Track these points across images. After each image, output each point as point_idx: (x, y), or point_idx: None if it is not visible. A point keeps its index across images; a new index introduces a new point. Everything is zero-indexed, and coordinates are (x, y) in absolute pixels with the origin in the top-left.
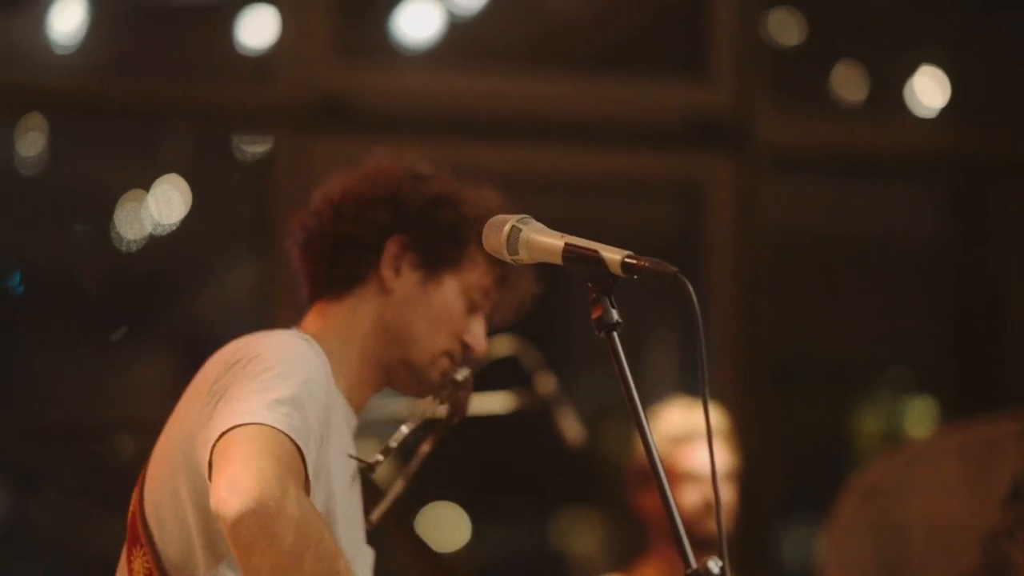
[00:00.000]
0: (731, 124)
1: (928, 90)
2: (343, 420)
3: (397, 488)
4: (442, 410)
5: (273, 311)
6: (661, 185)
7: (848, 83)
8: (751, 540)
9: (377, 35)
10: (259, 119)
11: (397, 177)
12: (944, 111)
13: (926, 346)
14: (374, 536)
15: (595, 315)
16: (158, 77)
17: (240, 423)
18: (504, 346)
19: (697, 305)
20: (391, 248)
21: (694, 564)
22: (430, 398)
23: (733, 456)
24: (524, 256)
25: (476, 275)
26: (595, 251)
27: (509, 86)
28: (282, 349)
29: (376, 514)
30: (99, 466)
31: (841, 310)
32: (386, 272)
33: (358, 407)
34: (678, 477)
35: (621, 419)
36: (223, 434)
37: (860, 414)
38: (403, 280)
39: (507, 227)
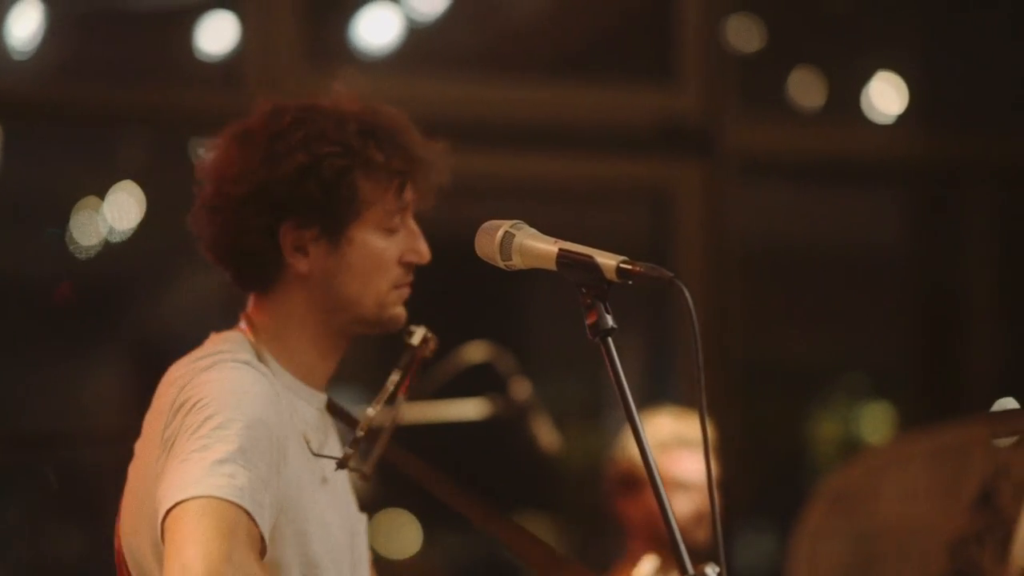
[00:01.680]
0: (699, 130)
1: (887, 95)
2: (304, 420)
3: (385, 437)
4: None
5: (231, 319)
6: (629, 190)
7: (809, 89)
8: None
9: (338, 41)
10: (219, 125)
11: (251, 167)
12: (905, 117)
13: (886, 351)
14: None
15: (589, 321)
16: (115, 83)
17: (184, 498)
18: (479, 352)
19: (694, 309)
20: (285, 240)
21: (691, 570)
22: (393, 375)
23: (717, 465)
24: (517, 262)
25: (379, 209)
26: (589, 256)
27: (473, 92)
28: (223, 388)
29: (368, 467)
30: (55, 475)
31: (804, 315)
32: (292, 261)
33: (324, 381)
34: (665, 486)
35: (578, 424)
36: (170, 510)
37: (817, 419)
38: (314, 257)
39: (500, 233)
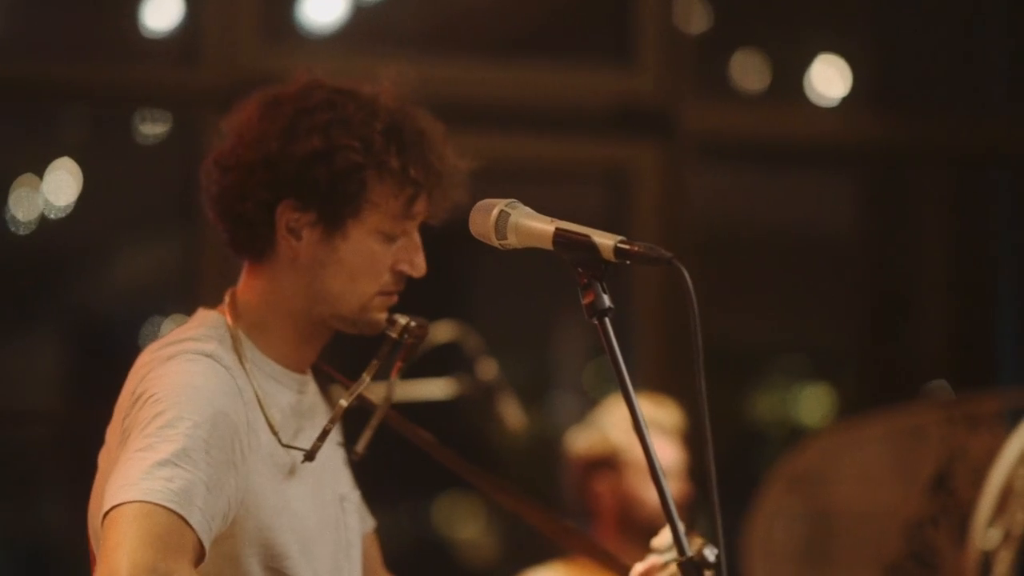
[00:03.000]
0: (656, 111)
1: (834, 78)
2: (279, 407)
3: (378, 417)
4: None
5: (169, 297)
6: (585, 171)
7: (756, 71)
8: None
9: (286, 18)
10: (161, 101)
11: (267, 136)
12: (853, 100)
13: (831, 334)
14: None
15: (586, 301)
16: (55, 59)
17: (119, 502)
18: (445, 332)
19: (692, 290)
20: (282, 217)
21: (689, 552)
22: (372, 363)
23: (686, 451)
24: (513, 241)
25: (382, 213)
26: (587, 236)
27: (426, 71)
28: (177, 383)
29: (361, 446)
30: None
31: (756, 297)
32: (284, 241)
33: (305, 366)
34: (640, 470)
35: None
36: (107, 513)
37: (756, 400)
38: (306, 242)
39: (495, 211)
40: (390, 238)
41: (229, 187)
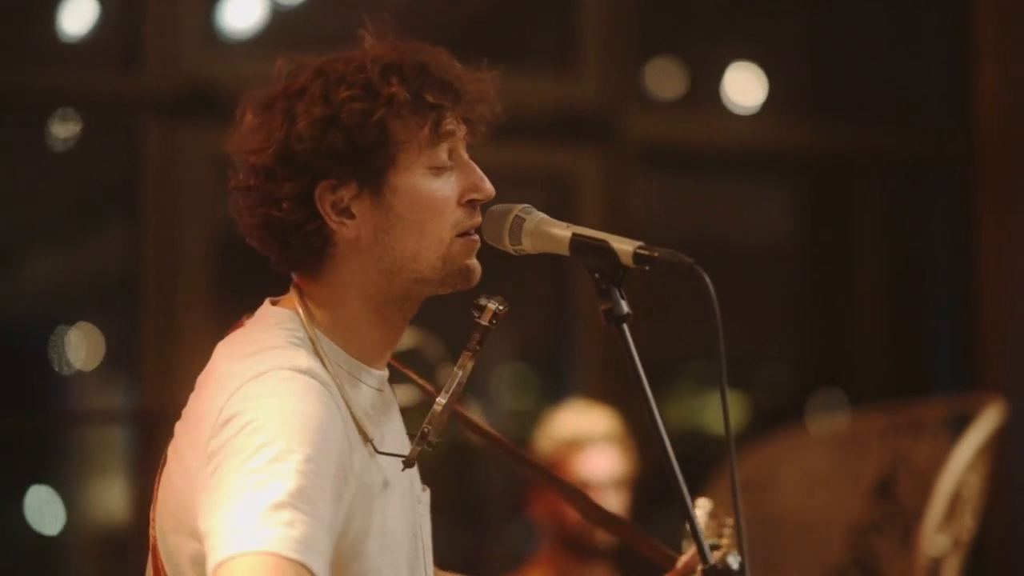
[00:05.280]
0: (598, 118)
1: (752, 86)
2: (363, 411)
3: (452, 402)
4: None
5: (72, 305)
6: (527, 178)
7: (675, 78)
8: None
9: (204, 22)
10: (70, 105)
11: (272, 129)
12: (784, 107)
13: (757, 341)
14: None
15: (604, 307)
16: None
17: (238, 552)
18: (407, 338)
19: (715, 296)
20: (324, 204)
21: (711, 560)
22: (464, 357)
23: (627, 461)
24: (527, 246)
25: (417, 148)
26: (605, 241)
27: None
28: (279, 409)
29: (433, 435)
30: None
31: (685, 303)
32: (338, 227)
33: (386, 356)
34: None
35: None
36: (222, 562)
37: (666, 408)
38: (361, 218)
39: (510, 217)
40: (439, 171)
41: (258, 203)
